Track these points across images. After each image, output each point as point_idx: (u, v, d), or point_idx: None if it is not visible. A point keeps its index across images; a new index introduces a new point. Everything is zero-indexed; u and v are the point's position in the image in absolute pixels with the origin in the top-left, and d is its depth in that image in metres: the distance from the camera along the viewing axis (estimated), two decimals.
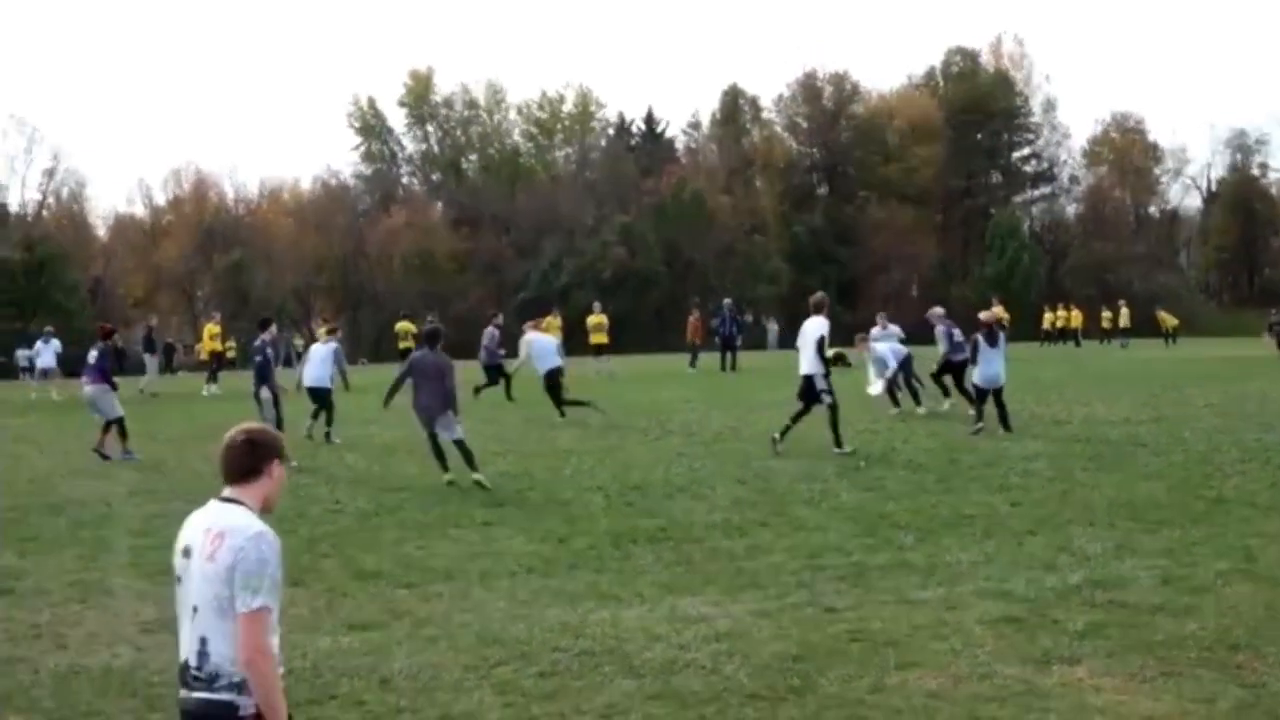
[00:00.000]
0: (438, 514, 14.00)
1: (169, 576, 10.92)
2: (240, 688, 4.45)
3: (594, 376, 38.35)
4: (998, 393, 20.27)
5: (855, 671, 7.88)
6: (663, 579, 10.55)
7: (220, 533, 4.53)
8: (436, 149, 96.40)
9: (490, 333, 30.26)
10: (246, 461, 4.77)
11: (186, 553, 4.60)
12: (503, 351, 30.03)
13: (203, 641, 4.48)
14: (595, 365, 39.85)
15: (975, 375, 20.58)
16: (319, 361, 22.89)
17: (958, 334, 23.47)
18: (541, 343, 25.44)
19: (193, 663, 4.50)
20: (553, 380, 24.44)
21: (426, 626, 9.31)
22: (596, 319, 41.55)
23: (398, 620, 9.53)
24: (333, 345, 23.36)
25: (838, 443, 17.96)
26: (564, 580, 10.64)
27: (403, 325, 42.42)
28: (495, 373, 29.38)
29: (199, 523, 4.66)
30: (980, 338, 20.51)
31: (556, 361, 24.76)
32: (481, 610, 9.74)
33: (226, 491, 4.71)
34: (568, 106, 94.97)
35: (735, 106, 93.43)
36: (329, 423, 22.45)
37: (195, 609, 4.51)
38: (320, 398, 22.57)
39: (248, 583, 4.43)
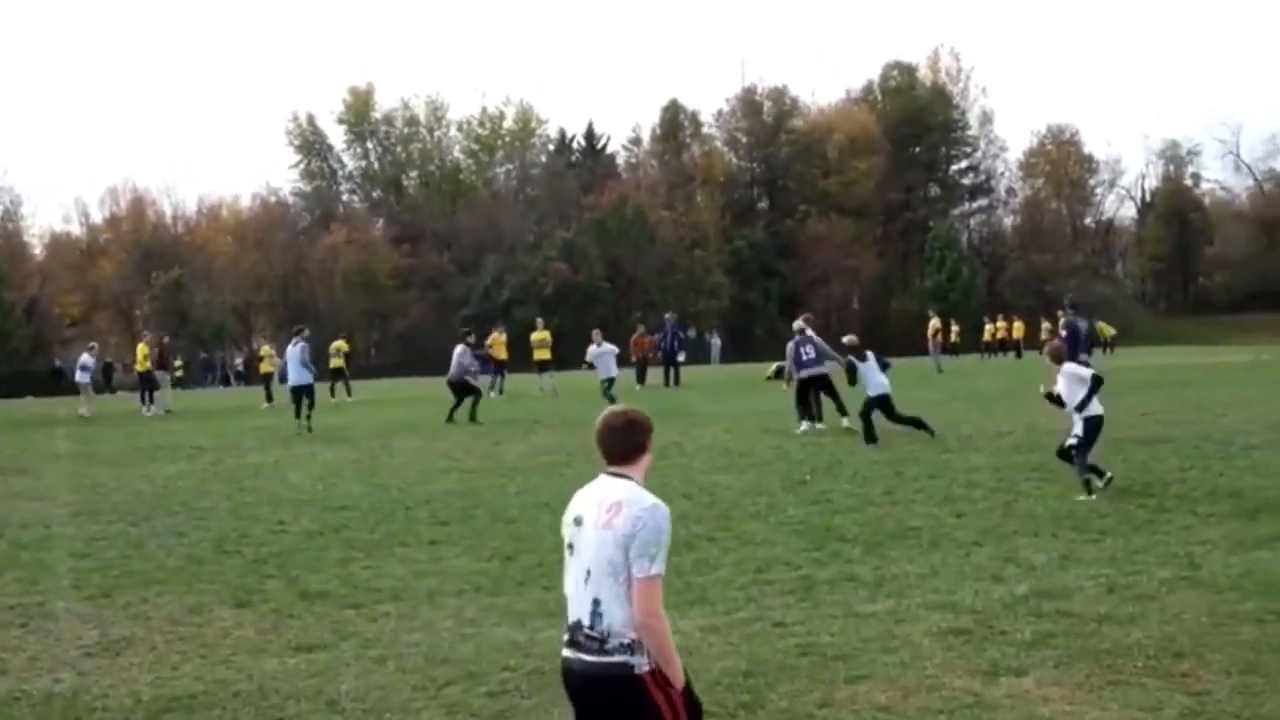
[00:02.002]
0: (384, 533, 13.91)
1: (111, 599, 10.88)
2: (633, 648, 4.73)
3: (537, 393, 38.27)
4: (885, 402, 20.63)
5: (805, 686, 7.88)
6: None
7: (616, 503, 4.83)
8: (377, 166, 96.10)
9: (461, 349, 28.92)
10: (631, 440, 5.06)
11: (578, 521, 4.94)
12: (475, 368, 29.50)
13: (596, 603, 4.79)
14: (539, 381, 39.75)
15: (868, 390, 20.80)
16: (295, 362, 26.85)
17: (808, 351, 23.49)
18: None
19: (586, 622, 4.81)
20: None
21: (374, 647, 9.23)
22: (539, 335, 41.53)
23: (345, 641, 9.45)
24: (300, 345, 27.17)
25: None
26: (512, 598, 10.59)
27: (337, 344, 41.91)
28: (463, 391, 28.36)
29: (590, 496, 4.99)
30: (852, 358, 21.11)
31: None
32: (429, 630, 9.67)
33: (612, 468, 5.02)
34: (508, 123, 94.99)
35: (675, 122, 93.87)
36: (310, 409, 26.41)
37: (588, 573, 4.82)
38: (303, 393, 26.43)
39: (645, 550, 4.72)
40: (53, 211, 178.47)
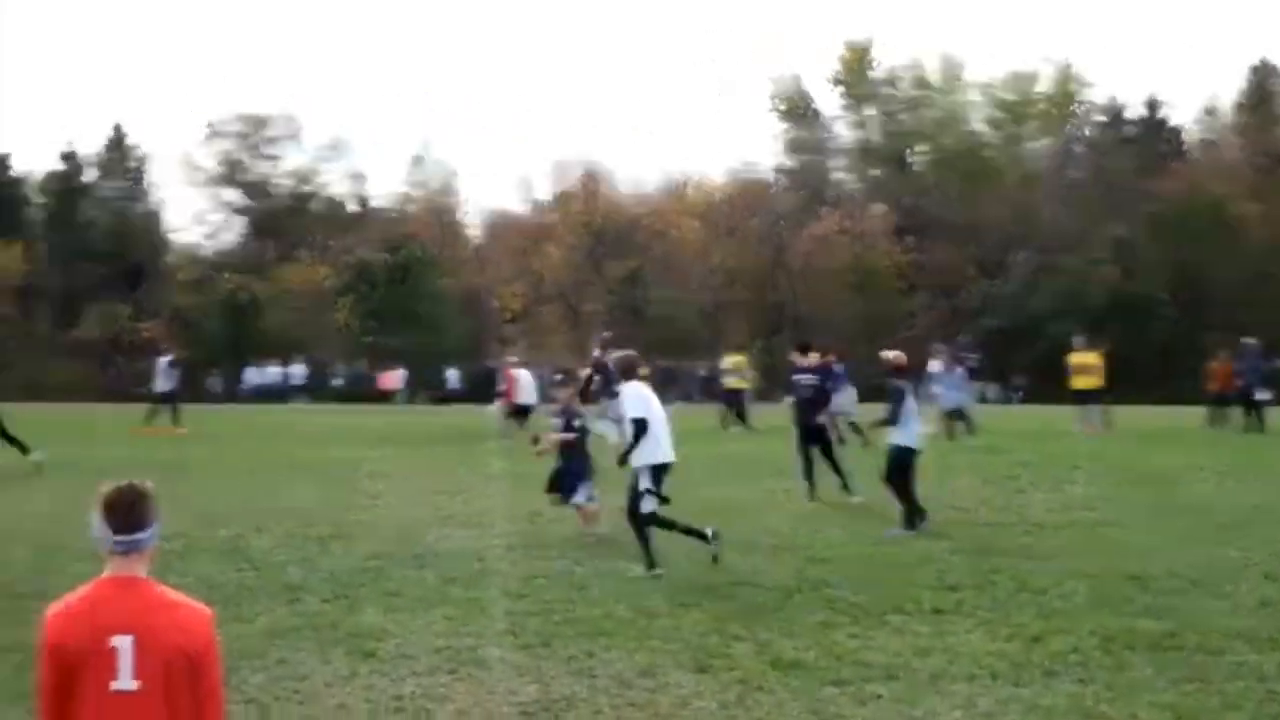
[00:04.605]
0: (876, 595, 13.95)
1: (552, 650, 11.40)
2: None
3: (1079, 431, 37.44)
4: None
5: None
6: (1167, 699, 10.19)
7: None
8: (877, 138, 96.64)
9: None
10: None
11: None
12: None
13: None
14: (1084, 416, 38.80)
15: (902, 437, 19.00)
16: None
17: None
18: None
19: None
20: None
21: None
22: (1083, 358, 40.46)
23: None
24: None
25: None
26: (1038, 691, 10.42)
27: (735, 360, 42.13)
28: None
29: None
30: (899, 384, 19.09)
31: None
32: None
33: None
34: (1043, 86, 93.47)
35: (1265, 87, 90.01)
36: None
37: None
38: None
39: None
40: (493, 186, 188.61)
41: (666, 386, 75.20)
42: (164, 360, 41.47)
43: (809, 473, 22.24)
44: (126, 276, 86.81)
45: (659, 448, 15.96)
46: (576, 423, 18.93)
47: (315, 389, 71.61)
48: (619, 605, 13.37)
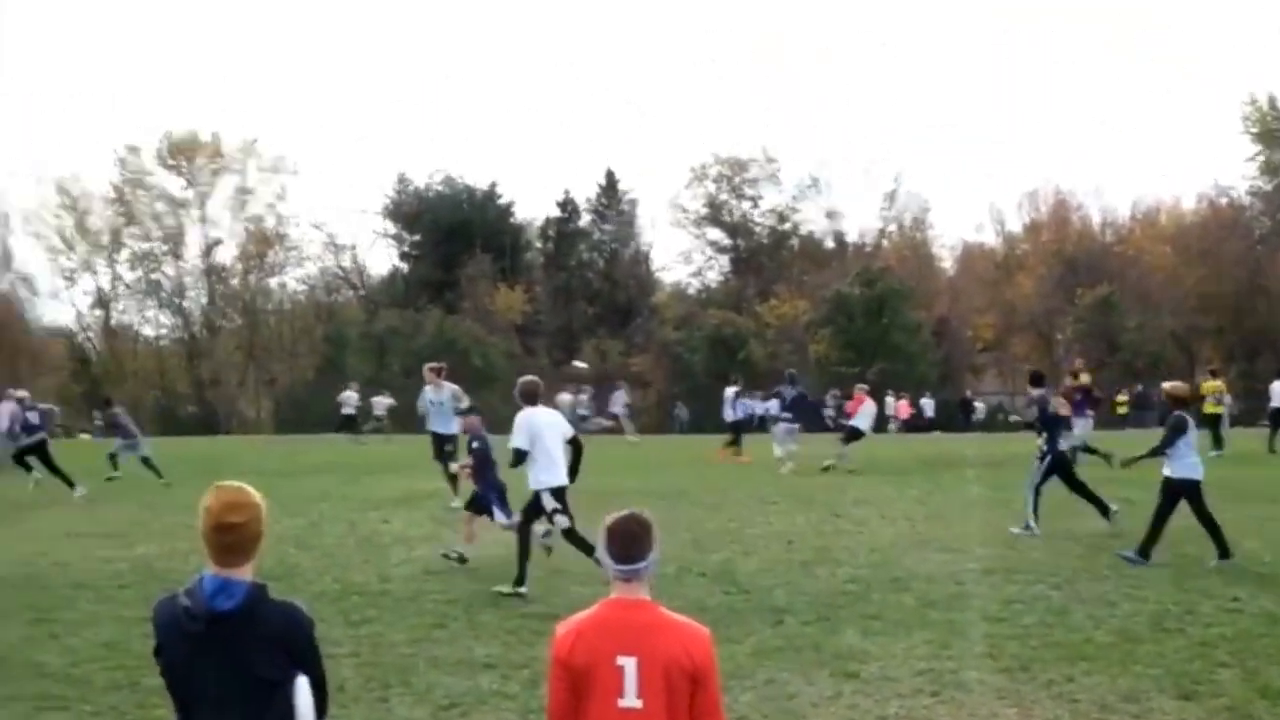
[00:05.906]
0: None
1: (1031, 673, 11.22)
2: None
3: None
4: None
5: None
6: None
7: None
8: None
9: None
10: None
11: None
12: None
13: None
14: None
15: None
16: None
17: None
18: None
19: None
20: None
21: None
22: None
23: None
24: None
25: None
26: None
27: None
28: None
29: None
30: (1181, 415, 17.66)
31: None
32: None
33: None
34: None
35: None
36: None
37: None
38: None
39: None
40: (963, 219, 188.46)
41: (1144, 410, 73.31)
42: (730, 391, 43.17)
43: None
44: (617, 314, 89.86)
45: (554, 471, 15.70)
46: (475, 445, 18.56)
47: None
48: (1099, 630, 13.04)
